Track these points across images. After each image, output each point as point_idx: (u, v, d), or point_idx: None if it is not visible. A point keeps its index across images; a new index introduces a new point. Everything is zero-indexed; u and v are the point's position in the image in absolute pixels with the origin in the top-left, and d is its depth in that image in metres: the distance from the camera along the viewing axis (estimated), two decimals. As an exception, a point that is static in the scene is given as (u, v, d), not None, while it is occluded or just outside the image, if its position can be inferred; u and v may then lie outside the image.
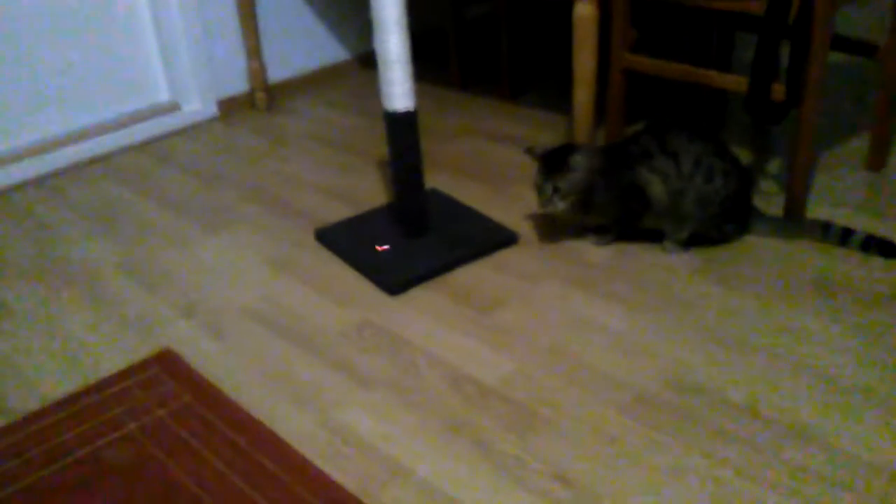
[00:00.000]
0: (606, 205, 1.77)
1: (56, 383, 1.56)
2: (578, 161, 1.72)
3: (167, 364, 1.58)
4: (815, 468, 1.24)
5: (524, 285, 1.74)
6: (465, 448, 1.33)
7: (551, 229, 1.94)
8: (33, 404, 1.51)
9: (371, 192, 2.19)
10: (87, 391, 1.52)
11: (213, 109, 2.76)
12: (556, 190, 1.73)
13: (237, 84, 2.81)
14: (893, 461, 1.24)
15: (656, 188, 1.72)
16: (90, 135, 2.52)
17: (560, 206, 1.74)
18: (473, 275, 1.80)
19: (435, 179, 2.21)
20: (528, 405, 1.41)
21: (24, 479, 1.33)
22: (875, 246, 1.73)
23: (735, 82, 1.85)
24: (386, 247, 1.87)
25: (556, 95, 2.72)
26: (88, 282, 1.88)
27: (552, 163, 1.74)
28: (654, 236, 1.83)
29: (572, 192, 1.73)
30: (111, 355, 1.63)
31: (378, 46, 1.69)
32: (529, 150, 1.81)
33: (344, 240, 1.94)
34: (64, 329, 1.72)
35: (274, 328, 1.67)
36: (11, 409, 1.50)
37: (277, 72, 2.89)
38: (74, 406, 1.49)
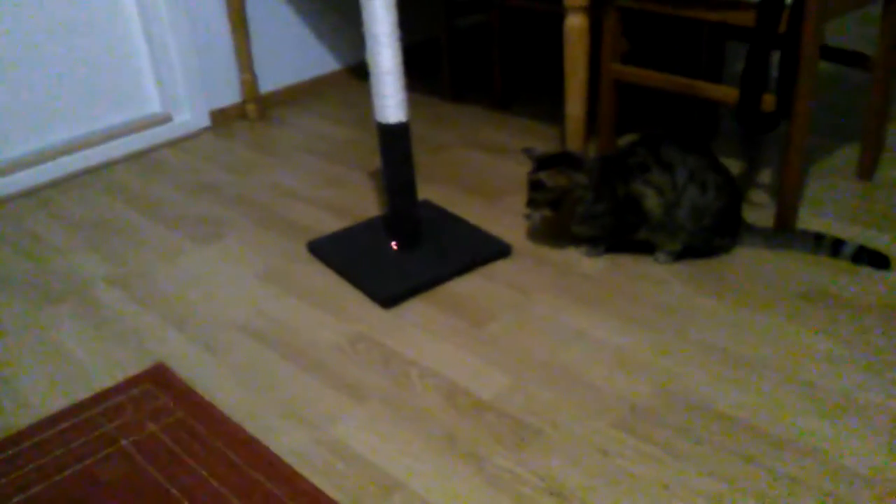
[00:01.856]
0: (601, 216, 1.77)
1: (48, 399, 1.55)
2: (545, 178, 1.76)
3: (160, 379, 1.57)
4: (810, 481, 1.25)
5: (517, 297, 1.74)
6: (459, 462, 1.33)
7: (544, 240, 1.94)
8: (25, 420, 1.50)
9: (363, 203, 2.19)
10: (80, 407, 1.51)
11: (204, 121, 2.76)
12: (532, 201, 1.79)
13: (229, 95, 2.81)
14: (887, 473, 1.25)
15: (651, 202, 1.73)
16: (81, 146, 2.51)
17: (535, 216, 1.82)
18: (467, 287, 1.80)
19: (427, 190, 2.21)
20: (522, 419, 1.41)
21: (16, 495, 1.33)
22: (866, 257, 1.74)
23: (725, 93, 1.86)
24: (394, 245, 1.90)
25: (548, 106, 2.73)
26: (80, 295, 1.88)
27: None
28: (645, 248, 1.83)
29: (545, 205, 1.78)
30: (103, 370, 1.62)
31: (370, 59, 1.69)
32: (528, 151, 1.84)
33: (336, 252, 1.94)
34: (55, 343, 1.71)
35: (266, 342, 1.67)
36: (3, 425, 1.49)
37: (269, 83, 2.89)
38: (67, 422, 1.48)
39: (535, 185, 1.77)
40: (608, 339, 1.59)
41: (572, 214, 1.79)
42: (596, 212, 1.77)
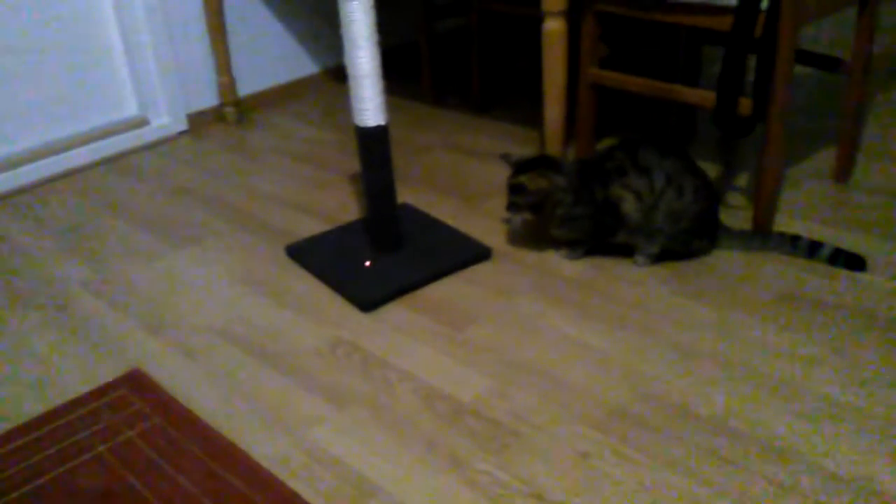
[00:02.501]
0: (580, 219, 1.78)
1: (24, 405, 1.53)
2: (525, 181, 1.76)
3: (136, 384, 1.56)
4: (790, 483, 1.25)
5: (497, 300, 1.75)
6: (440, 466, 1.33)
7: (524, 243, 1.95)
8: (0, 427, 1.48)
9: (343, 207, 2.19)
10: (56, 413, 1.49)
11: (182, 124, 2.74)
12: (512, 204, 1.79)
13: (207, 98, 2.79)
14: (864, 475, 1.26)
15: (629, 205, 1.74)
16: (57, 150, 2.49)
17: (516, 220, 1.84)
18: (447, 290, 1.79)
19: (407, 194, 2.21)
20: (502, 422, 1.41)
21: (-11, 504, 1.31)
22: (842, 259, 1.75)
23: (702, 97, 1.87)
24: (368, 263, 1.87)
25: (528, 109, 2.73)
26: (55, 300, 1.86)
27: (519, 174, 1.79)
28: (624, 250, 1.84)
29: (526, 208, 1.78)
30: (79, 376, 1.60)
31: (349, 62, 1.69)
32: (505, 157, 1.84)
33: (316, 256, 1.93)
34: (30, 349, 1.69)
35: (245, 346, 1.66)
36: (-24, 432, 1.47)
37: (247, 86, 2.88)
38: (43, 428, 1.46)
39: (515, 189, 1.78)
40: (588, 341, 1.60)
41: (552, 218, 1.79)
42: (575, 215, 1.77)
